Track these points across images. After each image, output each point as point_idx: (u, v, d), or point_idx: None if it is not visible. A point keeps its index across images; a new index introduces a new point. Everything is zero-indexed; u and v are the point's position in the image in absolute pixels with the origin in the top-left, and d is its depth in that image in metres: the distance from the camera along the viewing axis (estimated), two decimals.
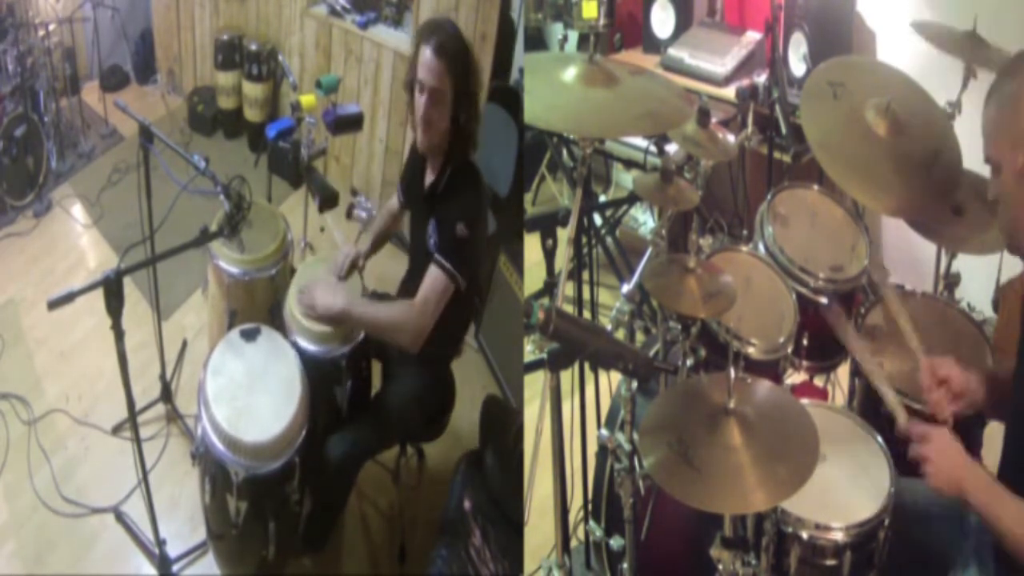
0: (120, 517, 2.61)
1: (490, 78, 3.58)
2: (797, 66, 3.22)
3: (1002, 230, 1.57)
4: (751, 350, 1.98)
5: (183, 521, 2.63)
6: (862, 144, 2.03)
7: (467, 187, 2.12)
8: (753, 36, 3.52)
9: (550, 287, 2.44)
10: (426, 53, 1.99)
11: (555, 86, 1.74)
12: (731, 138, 2.22)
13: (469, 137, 2.14)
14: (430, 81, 1.99)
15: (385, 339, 2.22)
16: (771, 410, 1.54)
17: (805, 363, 2.18)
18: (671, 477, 1.44)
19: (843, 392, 2.41)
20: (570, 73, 1.74)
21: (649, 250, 2.09)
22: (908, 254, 3.17)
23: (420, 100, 2.02)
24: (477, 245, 2.11)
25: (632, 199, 3.73)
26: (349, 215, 4.06)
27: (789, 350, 2.07)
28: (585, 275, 2.54)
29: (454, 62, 1.99)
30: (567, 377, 1.64)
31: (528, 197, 4.44)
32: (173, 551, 2.43)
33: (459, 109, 2.05)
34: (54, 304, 1.79)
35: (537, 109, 1.71)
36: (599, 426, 2.23)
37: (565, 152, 3.91)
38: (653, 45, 3.78)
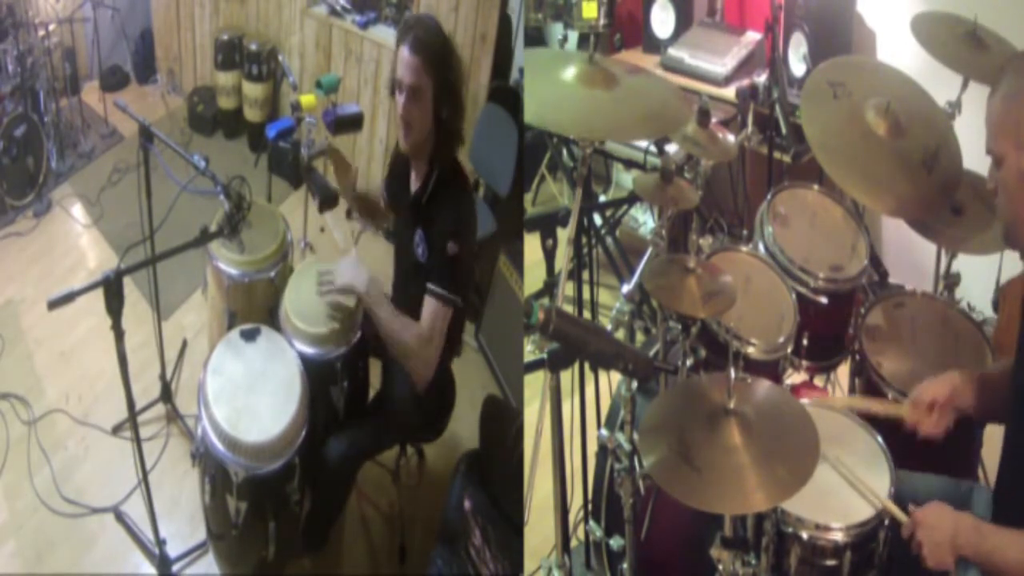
0: (120, 517, 2.61)
1: (490, 78, 3.58)
2: (797, 66, 3.22)
3: (1000, 221, 1.57)
4: (751, 350, 1.98)
5: (183, 521, 2.63)
6: (862, 144, 2.03)
7: (454, 195, 2.07)
8: (753, 36, 3.52)
9: (550, 287, 2.44)
10: (402, 51, 1.95)
11: (555, 86, 1.74)
12: (731, 138, 2.22)
13: (454, 135, 2.08)
14: (407, 78, 1.95)
15: (391, 351, 2.20)
16: (771, 410, 1.54)
17: (805, 363, 2.18)
18: (671, 477, 1.44)
19: (843, 392, 2.41)
20: (570, 73, 1.74)
21: (649, 250, 2.09)
22: (908, 254, 3.17)
23: (399, 99, 1.98)
24: (468, 256, 2.09)
25: (632, 199, 3.73)
26: (349, 215, 4.06)
27: (789, 350, 2.07)
28: (585, 275, 2.54)
29: (431, 56, 1.94)
30: (567, 377, 1.64)
31: (528, 197, 4.44)
32: (173, 551, 2.43)
33: (441, 105, 2.00)
34: (54, 304, 1.79)
35: (537, 109, 1.71)
36: (599, 426, 2.23)
37: (565, 152, 3.90)
38: (653, 45, 3.78)
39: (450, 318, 2.07)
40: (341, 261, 2.21)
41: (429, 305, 2.03)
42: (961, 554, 1.52)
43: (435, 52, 1.96)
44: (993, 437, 1.78)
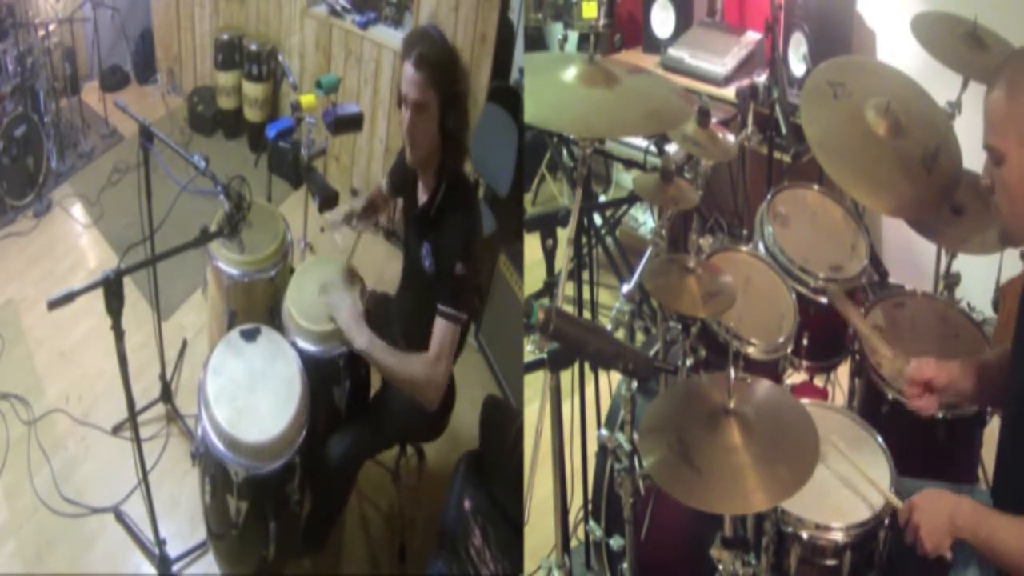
0: (120, 517, 2.61)
1: (490, 78, 3.58)
2: (797, 66, 3.22)
3: (997, 219, 1.52)
4: (751, 350, 1.98)
5: (183, 521, 2.63)
6: (862, 144, 2.03)
7: (462, 211, 2.06)
8: (753, 36, 3.53)
9: (550, 287, 2.44)
10: (407, 67, 1.95)
11: (555, 86, 1.74)
12: (731, 138, 2.22)
13: (460, 146, 2.09)
14: (412, 95, 1.95)
15: (400, 389, 2.16)
16: (771, 410, 1.54)
17: (805, 363, 2.18)
18: (671, 477, 1.44)
19: (843, 392, 2.40)
20: (570, 73, 1.74)
21: (649, 250, 2.09)
22: (908, 254, 3.17)
23: (405, 115, 1.99)
24: (474, 271, 2.08)
25: (632, 199, 3.72)
26: (349, 221, 4.04)
27: (789, 350, 2.07)
28: (585, 275, 2.54)
29: (436, 72, 1.94)
30: (567, 377, 1.64)
31: (528, 197, 4.44)
32: (173, 551, 2.44)
33: (446, 118, 2.00)
34: (54, 304, 1.79)
35: (537, 109, 1.71)
36: (599, 426, 2.23)
37: (565, 152, 3.91)
38: (653, 45, 3.78)
39: (459, 334, 2.06)
40: (342, 302, 2.19)
41: (439, 326, 2.02)
42: (959, 536, 1.50)
43: (440, 67, 1.95)
44: (993, 437, 1.78)
